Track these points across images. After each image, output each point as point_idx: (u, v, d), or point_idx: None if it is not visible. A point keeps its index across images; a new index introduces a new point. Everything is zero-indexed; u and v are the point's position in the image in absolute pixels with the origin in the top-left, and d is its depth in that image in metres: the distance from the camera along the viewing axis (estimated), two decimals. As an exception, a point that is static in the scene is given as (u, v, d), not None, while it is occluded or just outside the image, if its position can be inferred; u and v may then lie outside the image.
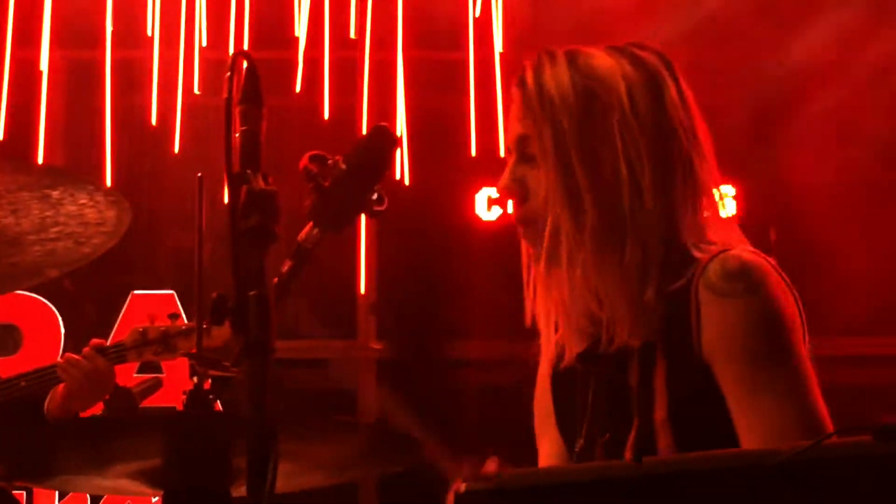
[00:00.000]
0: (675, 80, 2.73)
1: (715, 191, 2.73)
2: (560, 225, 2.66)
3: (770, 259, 2.64)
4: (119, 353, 4.53)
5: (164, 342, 4.54)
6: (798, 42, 6.95)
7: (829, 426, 2.51)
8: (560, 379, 2.82)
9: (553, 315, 2.75)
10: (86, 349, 4.47)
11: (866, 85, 6.99)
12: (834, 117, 6.96)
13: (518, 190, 2.73)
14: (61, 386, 4.43)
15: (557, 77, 2.70)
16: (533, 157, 2.71)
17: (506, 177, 2.76)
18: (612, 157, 2.64)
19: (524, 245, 2.79)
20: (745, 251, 2.65)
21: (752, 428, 2.52)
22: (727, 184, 6.90)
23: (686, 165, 2.68)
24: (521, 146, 2.74)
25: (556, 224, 2.66)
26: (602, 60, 2.71)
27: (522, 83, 2.74)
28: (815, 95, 6.98)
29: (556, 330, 2.77)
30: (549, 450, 2.87)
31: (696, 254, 2.63)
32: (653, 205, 2.63)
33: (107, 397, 4.41)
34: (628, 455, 2.62)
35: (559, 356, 2.78)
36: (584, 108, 2.66)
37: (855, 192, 6.95)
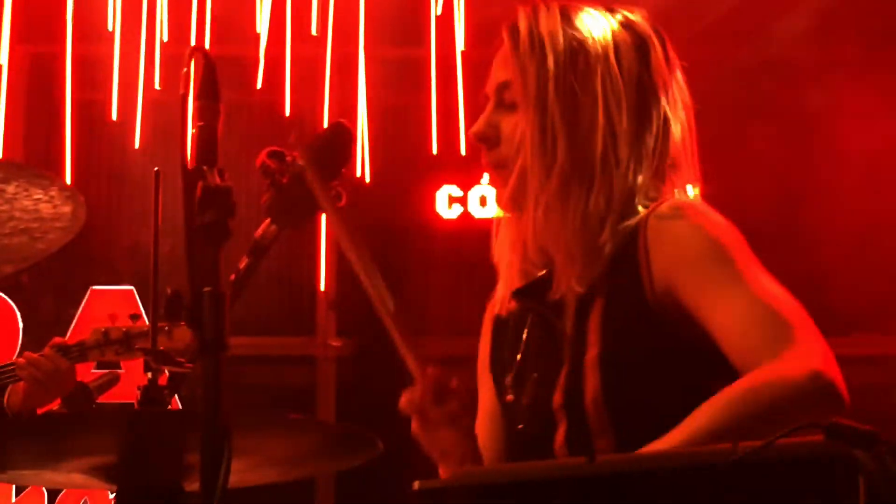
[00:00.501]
0: (664, 45, 2.78)
1: (689, 155, 2.78)
2: (529, 166, 2.69)
3: None
4: (81, 353, 4.54)
5: (124, 342, 4.55)
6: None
7: (798, 304, 2.54)
8: (499, 323, 2.86)
9: (507, 261, 2.80)
10: (46, 349, 4.47)
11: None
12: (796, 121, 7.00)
13: (491, 135, 2.76)
14: (21, 383, 4.42)
15: (549, 25, 2.73)
16: (512, 104, 2.74)
17: (481, 122, 2.79)
18: (591, 104, 2.68)
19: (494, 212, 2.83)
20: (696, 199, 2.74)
21: (728, 319, 2.53)
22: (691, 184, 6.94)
23: (662, 125, 2.73)
24: (500, 92, 2.77)
25: (524, 166, 2.69)
26: (595, 17, 2.76)
27: (514, 29, 2.76)
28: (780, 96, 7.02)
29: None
30: (486, 397, 2.89)
31: (646, 203, 2.67)
32: (626, 154, 2.67)
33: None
34: (558, 396, 2.66)
35: (502, 301, 2.82)
36: (571, 56, 2.70)
37: (812, 199, 6.99)
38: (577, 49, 2.71)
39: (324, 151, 2.60)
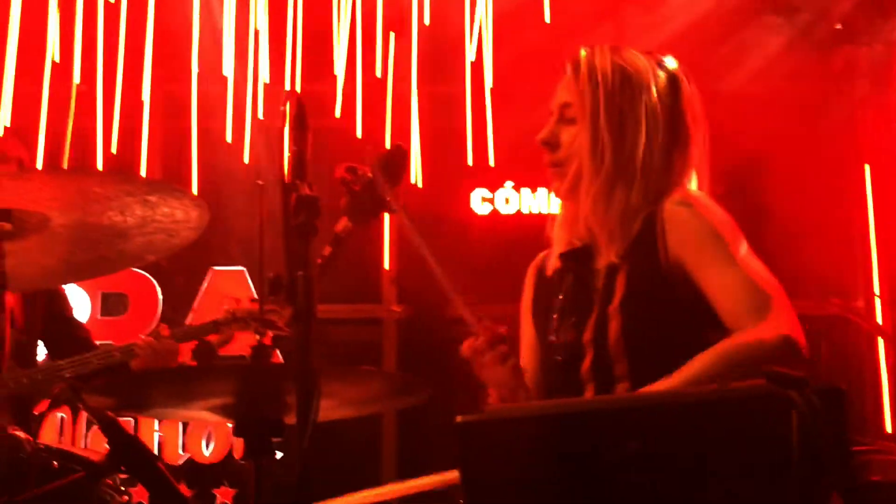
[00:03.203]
0: (688, 85, 2.82)
1: (704, 167, 2.82)
2: (583, 167, 2.74)
3: None
4: (215, 327, 4.57)
5: (244, 321, 4.58)
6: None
7: (775, 281, 2.59)
8: (542, 281, 2.90)
9: (558, 235, 2.83)
10: (161, 331, 4.51)
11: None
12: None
13: (553, 141, 2.81)
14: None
15: (603, 61, 2.78)
16: (571, 119, 2.79)
17: (545, 131, 2.83)
18: (635, 123, 2.72)
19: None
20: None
21: (722, 289, 2.58)
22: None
23: (685, 142, 2.77)
24: (562, 110, 2.82)
25: (579, 166, 2.75)
26: (638, 57, 2.80)
27: (577, 62, 2.80)
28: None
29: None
30: (527, 335, 2.93)
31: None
32: (660, 163, 2.72)
33: (192, 348, 4.43)
34: (587, 334, 2.69)
35: (547, 263, 2.85)
36: (620, 85, 2.75)
37: (752, 192, 6.92)
38: (626, 80, 2.75)
39: (388, 166, 2.61)
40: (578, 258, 2.78)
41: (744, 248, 2.65)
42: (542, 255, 2.93)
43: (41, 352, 4.67)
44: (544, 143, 2.82)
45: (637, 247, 2.69)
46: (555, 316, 2.80)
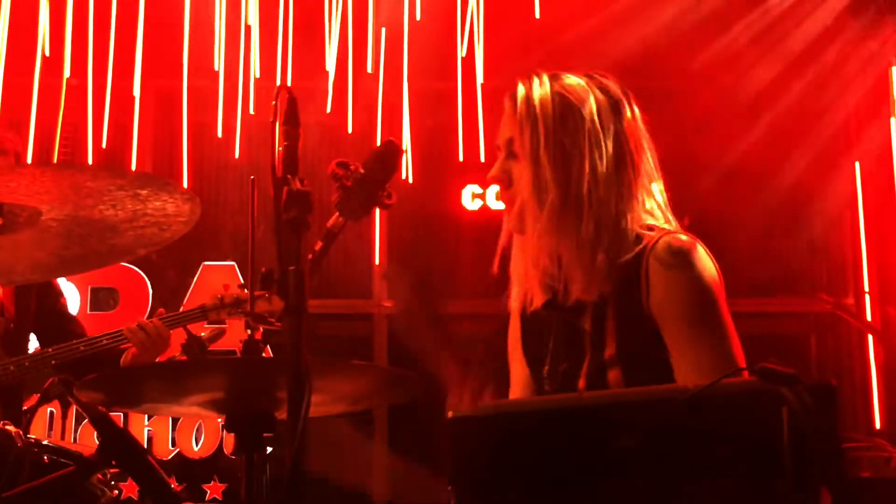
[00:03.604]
0: (630, 103, 2.75)
1: (657, 185, 2.75)
2: (526, 204, 2.68)
3: (699, 241, 2.67)
4: (203, 313, 4.56)
5: (235, 306, 4.57)
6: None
7: (738, 357, 2.55)
8: (528, 321, 2.84)
9: (521, 272, 2.78)
10: (154, 319, 4.48)
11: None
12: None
13: (504, 179, 2.75)
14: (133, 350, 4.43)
15: (541, 92, 2.70)
16: (517, 154, 2.72)
17: (495, 169, 2.78)
18: (579, 155, 2.65)
19: (504, 223, 2.81)
20: (683, 234, 2.68)
21: (688, 369, 2.55)
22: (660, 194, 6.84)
23: (635, 166, 2.70)
24: (509, 146, 2.75)
25: (523, 203, 2.69)
26: (577, 83, 2.73)
27: (514, 96, 2.74)
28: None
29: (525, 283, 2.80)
30: (518, 373, 2.89)
31: (644, 234, 2.66)
32: (605, 193, 2.64)
33: (182, 343, 4.41)
34: (582, 381, 2.66)
35: (527, 304, 2.81)
36: (561, 116, 2.67)
37: (746, 190, 6.94)
38: (566, 110, 2.68)
39: (379, 162, 2.60)
40: (560, 304, 2.74)
41: (720, 324, 2.58)
42: (522, 296, 2.87)
43: (33, 345, 4.66)
44: (495, 182, 2.76)
45: (621, 291, 2.62)
46: (545, 364, 2.77)
